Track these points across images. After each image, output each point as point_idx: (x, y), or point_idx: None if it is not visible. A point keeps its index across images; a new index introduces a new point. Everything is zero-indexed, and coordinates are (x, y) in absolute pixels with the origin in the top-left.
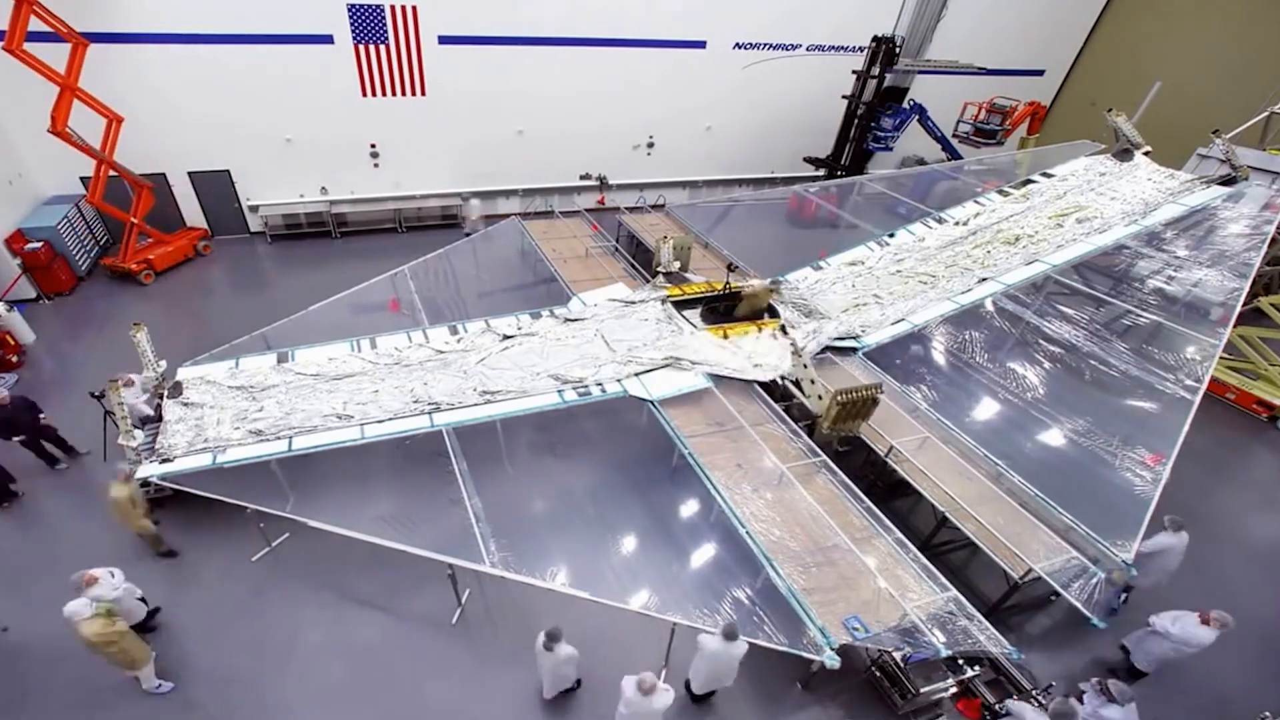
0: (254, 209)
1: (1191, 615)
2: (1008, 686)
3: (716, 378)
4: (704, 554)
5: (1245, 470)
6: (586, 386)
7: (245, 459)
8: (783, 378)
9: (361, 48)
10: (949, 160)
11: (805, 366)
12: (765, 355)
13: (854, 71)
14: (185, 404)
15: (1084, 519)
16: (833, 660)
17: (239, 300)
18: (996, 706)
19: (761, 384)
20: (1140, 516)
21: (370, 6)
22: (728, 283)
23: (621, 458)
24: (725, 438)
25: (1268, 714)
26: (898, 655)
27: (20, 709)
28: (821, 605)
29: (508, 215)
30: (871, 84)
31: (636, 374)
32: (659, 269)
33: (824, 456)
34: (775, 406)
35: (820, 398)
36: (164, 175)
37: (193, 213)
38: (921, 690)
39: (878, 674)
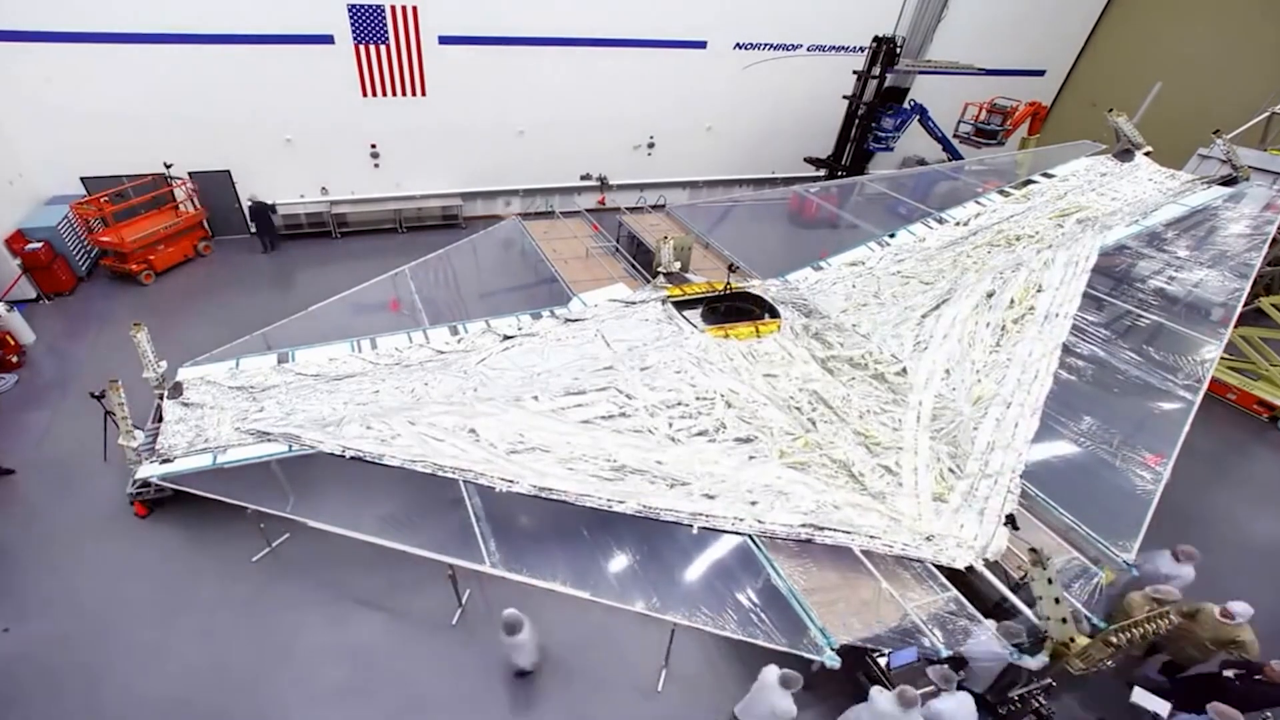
0: None
1: (1164, 554)
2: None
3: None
4: (705, 554)
5: (1246, 470)
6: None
7: (245, 459)
8: (986, 563)
9: (362, 48)
10: (950, 160)
11: (1050, 581)
12: (944, 522)
13: (855, 72)
14: (185, 404)
15: (1084, 519)
16: (833, 660)
17: (239, 300)
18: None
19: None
20: (1141, 517)
21: (370, 6)
22: (728, 283)
23: None
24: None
25: (1269, 715)
26: (881, 661)
27: (19, 710)
28: (822, 605)
29: (508, 215)
30: (872, 84)
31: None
32: (659, 269)
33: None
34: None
35: (1065, 620)
36: (164, 175)
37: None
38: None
39: (861, 677)
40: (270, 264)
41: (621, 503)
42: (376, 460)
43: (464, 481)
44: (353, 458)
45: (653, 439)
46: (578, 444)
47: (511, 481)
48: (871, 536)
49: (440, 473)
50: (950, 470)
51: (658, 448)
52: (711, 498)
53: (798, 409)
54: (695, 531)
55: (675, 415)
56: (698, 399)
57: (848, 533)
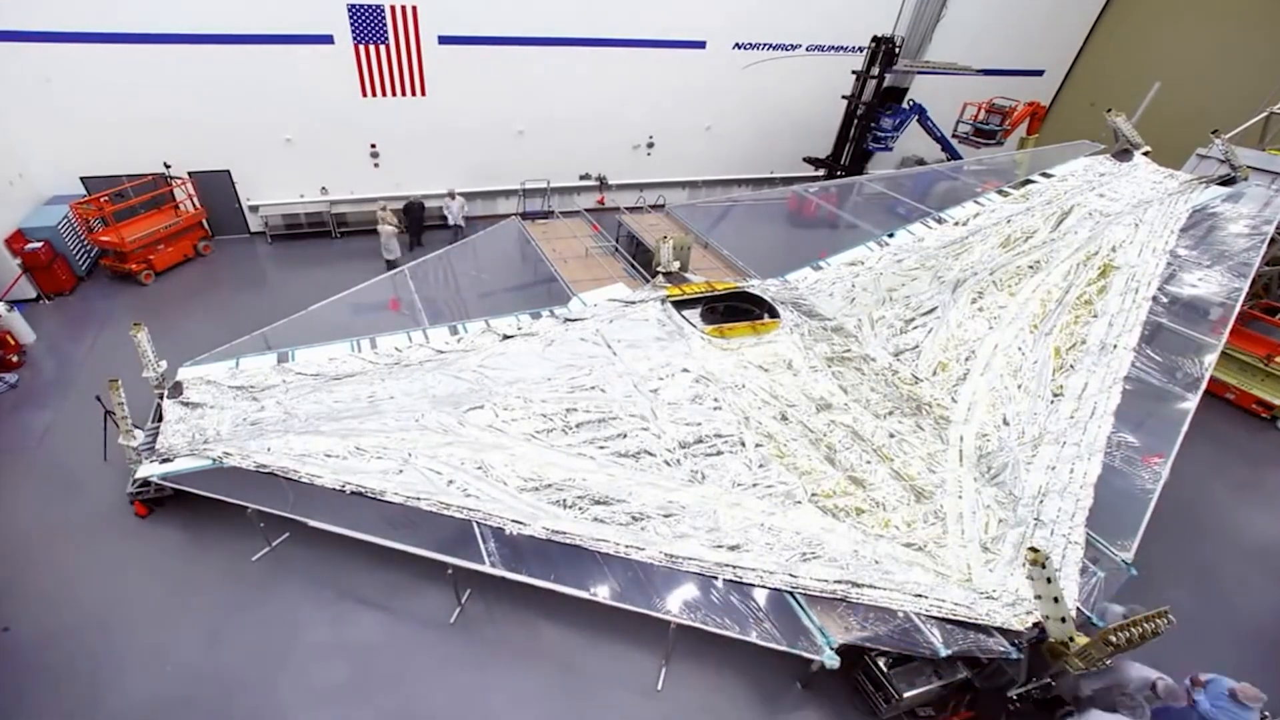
0: (254, 209)
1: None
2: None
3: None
4: None
5: (1245, 470)
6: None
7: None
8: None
9: (361, 48)
10: (949, 160)
11: (1049, 580)
12: (997, 576)
13: (854, 72)
14: (186, 404)
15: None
16: (832, 660)
17: (239, 300)
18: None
19: None
20: (1139, 517)
21: (370, 6)
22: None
23: None
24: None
25: (1267, 714)
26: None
27: (19, 709)
28: (821, 604)
29: (507, 215)
30: (871, 84)
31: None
32: (659, 269)
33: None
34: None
35: (1064, 620)
36: (164, 175)
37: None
38: (905, 696)
39: (861, 677)
40: (270, 264)
41: (641, 549)
42: (377, 496)
43: (476, 523)
44: (353, 493)
45: (674, 479)
46: (595, 480)
47: (523, 524)
48: (918, 595)
49: (445, 511)
50: (1001, 520)
51: (680, 487)
52: (735, 548)
53: (829, 447)
54: (720, 583)
55: (694, 452)
56: (718, 435)
57: (888, 590)
